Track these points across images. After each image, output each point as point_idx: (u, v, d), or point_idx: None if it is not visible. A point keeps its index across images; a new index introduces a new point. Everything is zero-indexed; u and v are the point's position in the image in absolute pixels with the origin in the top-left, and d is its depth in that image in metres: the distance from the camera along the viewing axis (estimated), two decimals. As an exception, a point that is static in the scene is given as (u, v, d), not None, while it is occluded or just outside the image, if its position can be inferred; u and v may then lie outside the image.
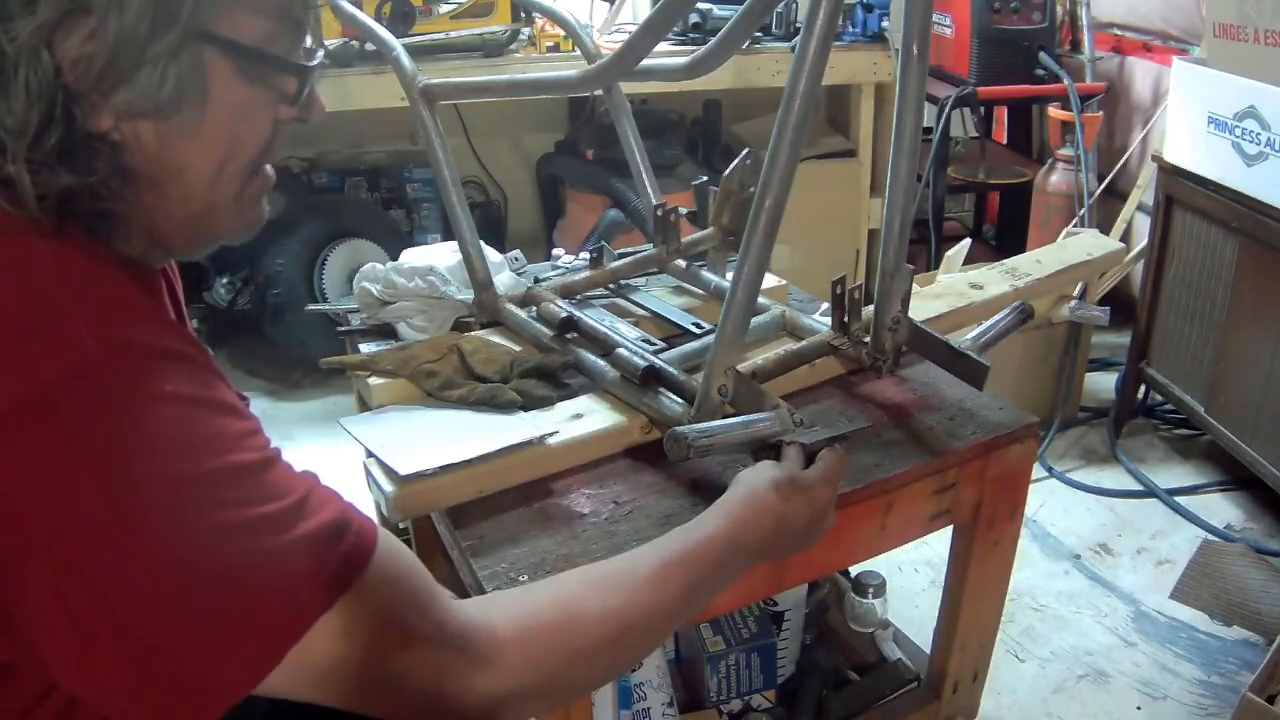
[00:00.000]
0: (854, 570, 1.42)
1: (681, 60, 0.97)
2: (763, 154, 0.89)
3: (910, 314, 1.04)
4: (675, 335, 1.23)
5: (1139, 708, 1.52)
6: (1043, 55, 2.42)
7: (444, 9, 2.41)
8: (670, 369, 1.02)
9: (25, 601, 0.51)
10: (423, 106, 1.23)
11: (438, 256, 1.34)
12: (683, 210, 1.38)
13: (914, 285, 1.05)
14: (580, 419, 1.02)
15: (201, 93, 0.58)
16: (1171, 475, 2.11)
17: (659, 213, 1.34)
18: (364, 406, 1.15)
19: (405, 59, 1.24)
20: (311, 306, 2.07)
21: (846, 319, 1.08)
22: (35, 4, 0.53)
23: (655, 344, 1.16)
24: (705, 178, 1.42)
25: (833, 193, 2.74)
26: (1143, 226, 2.31)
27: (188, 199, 0.62)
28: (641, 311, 1.29)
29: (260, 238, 2.84)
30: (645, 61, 1.01)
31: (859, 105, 2.71)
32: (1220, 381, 1.92)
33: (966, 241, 2.11)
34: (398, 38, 1.29)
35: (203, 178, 0.62)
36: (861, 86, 2.68)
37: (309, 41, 0.66)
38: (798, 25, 2.57)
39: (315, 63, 0.66)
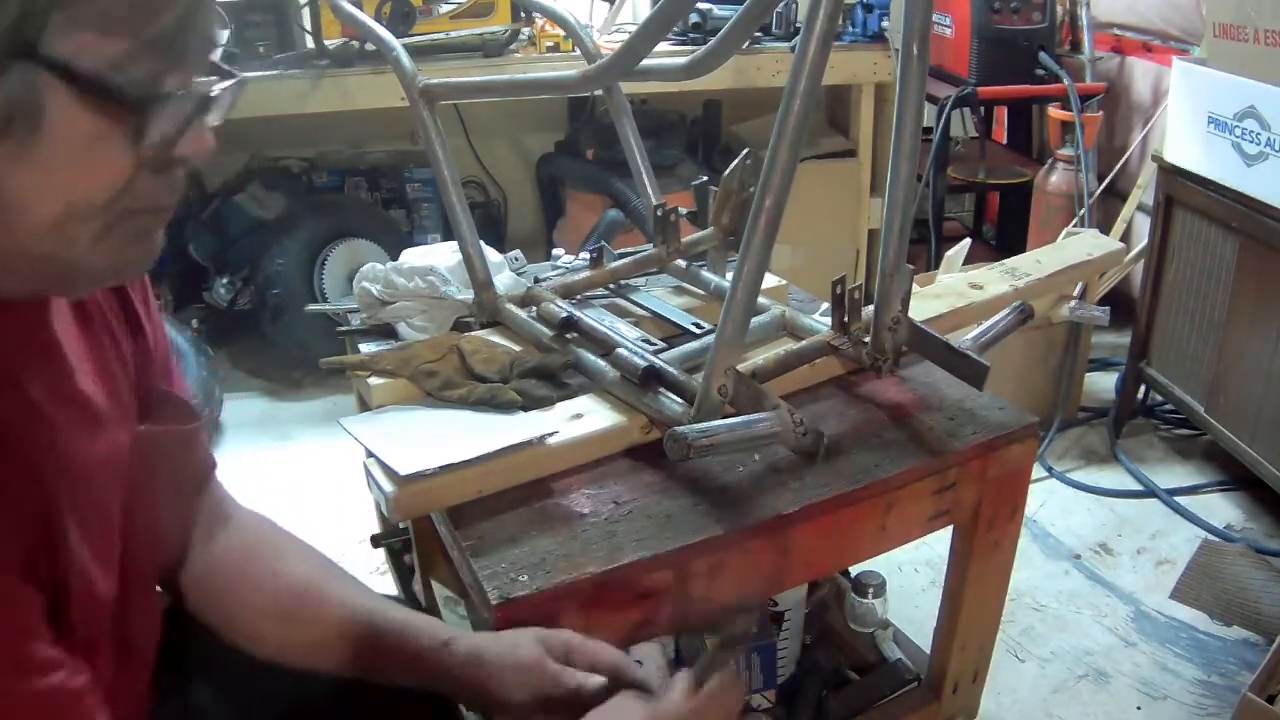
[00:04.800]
0: (854, 570, 1.42)
1: (681, 60, 0.97)
2: (763, 154, 0.89)
3: (910, 314, 1.04)
4: (675, 335, 1.23)
5: (1139, 708, 1.52)
6: (1043, 55, 2.42)
7: (444, 9, 2.41)
8: (670, 369, 1.02)
9: None
10: (423, 106, 1.23)
11: (438, 256, 1.34)
12: (683, 210, 1.38)
13: (914, 285, 1.05)
14: (580, 419, 1.02)
15: (34, 118, 0.51)
16: (1171, 475, 2.11)
17: (659, 213, 1.34)
18: (364, 406, 1.15)
19: (405, 59, 1.24)
20: (311, 306, 2.07)
21: (846, 319, 1.08)
22: None
23: (655, 344, 1.16)
24: (705, 178, 1.42)
25: (833, 193, 2.74)
26: (1143, 226, 2.31)
27: (35, 236, 0.54)
28: (641, 311, 1.29)
29: (260, 238, 2.83)
30: (645, 61, 1.01)
31: (859, 105, 2.71)
32: (1220, 381, 1.92)
33: (966, 241, 2.11)
34: (398, 38, 1.29)
35: (46, 215, 0.54)
36: (861, 86, 2.68)
37: (194, 66, 0.56)
38: (798, 25, 2.57)
39: (180, 93, 0.55)
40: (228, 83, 0.58)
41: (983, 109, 2.85)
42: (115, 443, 0.66)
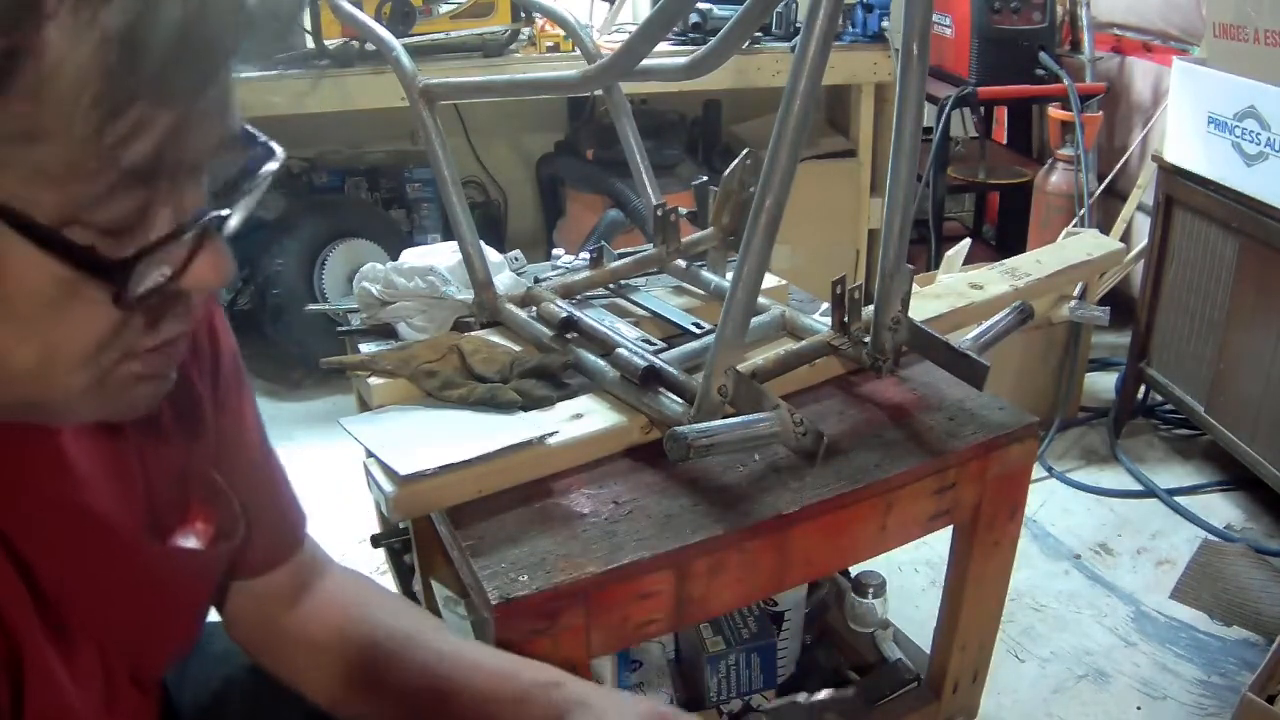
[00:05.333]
0: (854, 570, 1.42)
1: (681, 60, 0.97)
2: (763, 154, 0.89)
3: (910, 314, 1.04)
4: (675, 335, 1.23)
5: (1139, 708, 1.52)
6: (1043, 55, 2.42)
7: (444, 9, 2.41)
8: (670, 369, 1.02)
9: None
10: (423, 106, 1.23)
11: (438, 256, 1.34)
12: (683, 210, 1.38)
13: (914, 285, 1.05)
14: (580, 419, 1.02)
15: None
16: (1171, 475, 2.11)
17: (659, 213, 1.34)
18: (364, 406, 1.15)
19: (405, 59, 1.24)
20: (311, 306, 2.08)
21: (846, 319, 1.08)
22: None
23: (655, 344, 1.16)
24: (705, 178, 1.42)
25: (833, 193, 2.74)
26: (1143, 226, 2.31)
27: (11, 382, 0.46)
28: (641, 311, 1.29)
29: (260, 238, 2.83)
30: (645, 61, 1.01)
31: (859, 105, 2.71)
32: (1220, 381, 1.92)
33: (966, 241, 2.11)
34: (398, 38, 1.29)
35: (21, 367, 0.45)
36: (861, 86, 2.68)
37: (197, 178, 0.46)
38: (798, 25, 2.57)
39: (174, 232, 0.45)
40: (263, 171, 0.48)
41: (983, 109, 2.85)
42: (128, 555, 0.60)
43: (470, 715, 0.72)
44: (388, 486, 0.91)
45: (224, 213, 0.47)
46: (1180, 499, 2.01)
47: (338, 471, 1.47)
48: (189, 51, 0.40)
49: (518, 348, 1.17)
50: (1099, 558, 1.88)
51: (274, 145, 0.50)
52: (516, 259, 1.50)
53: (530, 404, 1.04)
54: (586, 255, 1.40)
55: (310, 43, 2.35)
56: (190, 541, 0.65)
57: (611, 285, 1.36)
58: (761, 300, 1.17)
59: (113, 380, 0.48)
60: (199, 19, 0.40)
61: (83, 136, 0.39)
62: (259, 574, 0.76)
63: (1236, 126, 1.76)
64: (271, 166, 0.49)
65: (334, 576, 0.82)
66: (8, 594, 0.52)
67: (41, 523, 0.55)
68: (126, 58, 0.39)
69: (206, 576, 0.69)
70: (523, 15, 2.46)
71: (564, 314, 1.16)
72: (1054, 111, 2.40)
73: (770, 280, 1.34)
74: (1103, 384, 2.47)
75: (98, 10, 0.38)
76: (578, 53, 1.49)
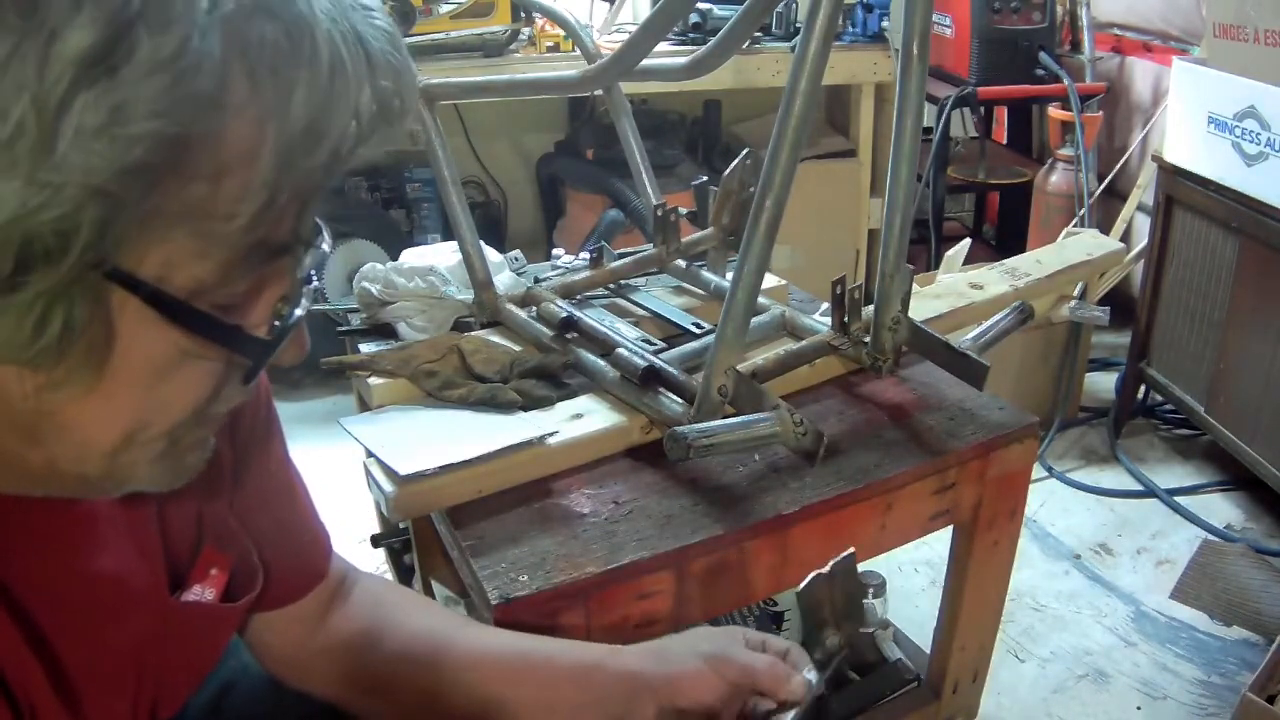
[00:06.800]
0: (854, 570, 1.42)
1: (681, 60, 0.97)
2: (763, 154, 0.89)
3: (910, 314, 1.04)
4: (675, 335, 1.23)
5: (1139, 708, 1.52)
6: (1043, 55, 2.42)
7: (444, 9, 2.41)
8: (670, 369, 1.02)
9: None
10: (423, 106, 1.23)
11: (438, 256, 1.34)
12: (683, 210, 1.38)
13: (914, 285, 1.05)
14: (580, 419, 1.02)
15: (102, 342, 0.40)
16: (1171, 475, 2.11)
17: (659, 213, 1.34)
18: (364, 406, 1.15)
19: (405, 59, 1.24)
20: (312, 306, 2.07)
21: (846, 319, 1.08)
22: None
23: (655, 344, 1.16)
24: (705, 178, 1.42)
25: (833, 193, 2.74)
26: (1143, 226, 2.31)
27: (81, 459, 0.45)
28: (641, 311, 1.29)
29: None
30: (645, 61, 1.01)
31: (859, 105, 2.71)
32: (1220, 381, 1.92)
33: (966, 241, 2.11)
34: (398, 38, 1.29)
35: (102, 441, 0.45)
36: (861, 86, 2.68)
37: (302, 261, 0.47)
38: (798, 25, 2.57)
39: (291, 321, 0.47)
40: (322, 248, 0.48)
41: (983, 109, 2.85)
42: (143, 615, 0.60)
43: (533, 702, 0.73)
44: (388, 486, 0.91)
45: (315, 285, 0.49)
46: (1180, 499, 2.01)
47: (338, 471, 1.47)
48: (348, 141, 0.42)
49: (518, 348, 1.17)
50: (1099, 558, 1.88)
51: (323, 225, 0.51)
52: (516, 259, 1.50)
53: (530, 404, 1.04)
54: (586, 255, 1.40)
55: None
56: (207, 594, 0.64)
57: (611, 285, 1.36)
58: (761, 300, 1.17)
59: (179, 448, 0.49)
60: (360, 112, 0.42)
61: (247, 217, 0.40)
62: (282, 606, 0.75)
63: (1236, 126, 1.76)
64: (325, 247, 0.50)
65: (361, 587, 0.82)
66: (22, 669, 0.51)
67: (60, 590, 0.54)
68: (303, 148, 0.40)
69: (226, 626, 0.69)
70: (523, 15, 2.46)
71: (564, 314, 1.16)
72: (1054, 111, 2.40)
73: (770, 280, 1.34)
74: (1103, 384, 2.47)
75: (285, 105, 0.39)
76: (578, 53, 1.50)
